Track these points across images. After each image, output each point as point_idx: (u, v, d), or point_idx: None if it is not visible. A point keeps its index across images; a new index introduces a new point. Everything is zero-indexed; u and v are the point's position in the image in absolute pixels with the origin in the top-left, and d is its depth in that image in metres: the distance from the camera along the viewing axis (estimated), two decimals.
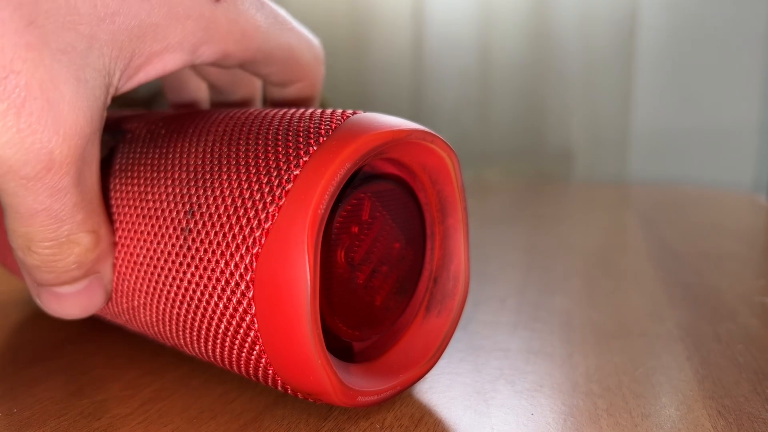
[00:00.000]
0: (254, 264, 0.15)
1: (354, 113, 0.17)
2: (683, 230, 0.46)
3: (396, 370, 0.19)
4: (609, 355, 0.22)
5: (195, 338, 0.17)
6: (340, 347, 0.19)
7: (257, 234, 0.15)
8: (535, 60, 1.28)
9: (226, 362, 0.17)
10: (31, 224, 0.16)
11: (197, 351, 0.18)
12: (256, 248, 0.15)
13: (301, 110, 0.18)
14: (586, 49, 1.24)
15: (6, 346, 0.23)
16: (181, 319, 0.17)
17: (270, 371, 0.16)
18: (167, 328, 0.18)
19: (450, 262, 0.20)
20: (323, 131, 0.16)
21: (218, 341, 0.17)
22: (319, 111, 0.17)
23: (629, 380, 0.20)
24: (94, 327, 0.25)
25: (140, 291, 0.18)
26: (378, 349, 0.20)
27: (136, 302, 0.19)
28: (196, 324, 0.17)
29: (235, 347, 0.16)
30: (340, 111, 0.17)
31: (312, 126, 0.16)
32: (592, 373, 0.21)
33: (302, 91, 0.23)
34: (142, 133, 0.20)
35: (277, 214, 0.15)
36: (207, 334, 0.17)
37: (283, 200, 0.15)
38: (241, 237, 0.15)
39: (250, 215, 0.15)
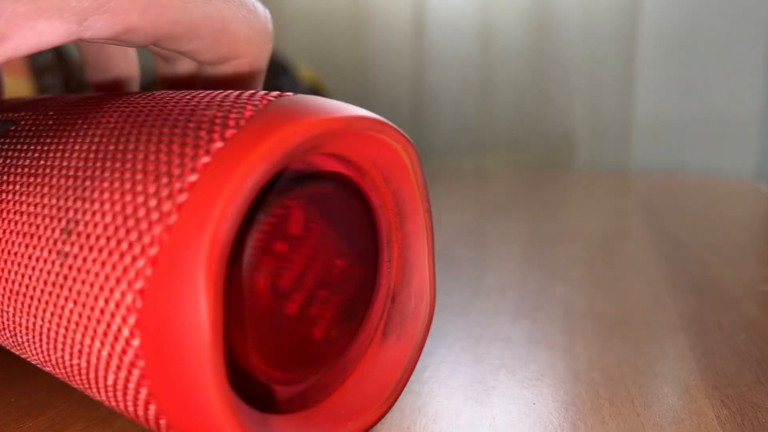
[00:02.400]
0: (139, 303, 0.11)
1: (279, 96, 0.13)
2: (685, 219, 0.46)
3: (345, 416, 0.15)
4: (611, 345, 0.22)
5: (88, 386, 0.14)
6: (269, 393, 0.15)
7: (140, 263, 0.11)
8: (537, 48, 1.27)
9: (131, 417, 0.14)
10: None
11: (97, 399, 0.14)
12: (140, 282, 0.11)
13: (215, 93, 0.14)
14: (588, 37, 1.23)
15: None
16: (68, 365, 0.14)
17: None
18: (58, 371, 0.14)
19: (411, 277, 0.17)
20: (232, 122, 0.12)
21: (111, 394, 0.13)
22: (236, 93, 0.14)
23: (631, 370, 0.20)
24: None
25: (22, 326, 0.14)
26: (321, 391, 0.16)
27: (21, 338, 0.15)
28: (87, 372, 0.13)
29: (130, 405, 0.13)
30: (261, 94, 0.14)
31: (219, 115, 0.13)
32: (594, 363, 0.21)
33: (239, 70, 0.19)
34: (28, 125, 0.16)
35: (166, 237, 0.11)
36: (99, 384, 0.13)
37: (173, 217, 0.11)
38: (121, 267, 0.12)
39: (132, 238, 0.12)
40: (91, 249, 0.12)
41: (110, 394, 0.13)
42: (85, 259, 0.12)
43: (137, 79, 0.23)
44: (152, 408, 0.12)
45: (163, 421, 0.12)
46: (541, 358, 0.21)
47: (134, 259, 0.12)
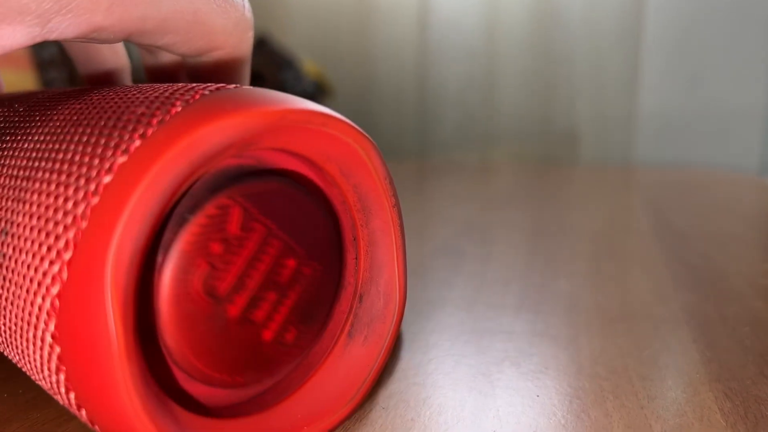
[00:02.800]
0: (57, 309, 0.11)
1: (216, 90, 0.13)
2: (689, 212, 0.46)
3: (300, 421, 0.15)
4: (614, 338, 0.22)
5: (41, 386, 0.14)
6: (222, 396, 0.15)
7: (56, 268, 0.11)
8: (541, 42, 1.27)
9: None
10: None
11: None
12: (57, 287, 0.11)
13: (155, 87, 0.14)
14: (593, 31, 1.23)
15: None
16: (18, 364, 0.14)
17: None
18: (19, 366, 0.14)
19: (379, 275, 0.16)
20: (156, 119, 0.12)
21: (59, 398, 0.13)
22: (173, 89, 0.13)
23: (635, 362, 0.20)
24: None
25: None
26: (279, 394, 0.15)
27: None
28: (35, 374, 0.13)
29: (69, 408, 0.13)
30: (199, 87, 0.13)
31: (146, 111, 0.12)
32: (597, 356, 0.21)
33: (219, 62, 0.19)
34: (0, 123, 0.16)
35: (79, 241, 0.11)
36: (45, 385, 0.13)
37: (86, 221, 0.11)
38: (42, 271, 0.11)
39: (51, 241, 0.11)
40: (21, 251, 0.12)
41: (58, 396, 0.13)
42: (17, 262, 0.12)
43: (127, 69, 0.23)
44: (83, 412, 0.12)
45: (96, 427, 0.12)
46: (544, 351, 0.21)
47: (52, 263, 0.11)
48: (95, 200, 0.11)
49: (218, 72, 0.19)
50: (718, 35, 1.16)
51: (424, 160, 1.13)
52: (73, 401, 0.12)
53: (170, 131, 0.11)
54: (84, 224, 0.11)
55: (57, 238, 0.11)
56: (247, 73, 0.20)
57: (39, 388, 0.18)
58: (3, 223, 0.13)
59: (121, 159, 0.11)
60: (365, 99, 1.28)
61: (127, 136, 0.12)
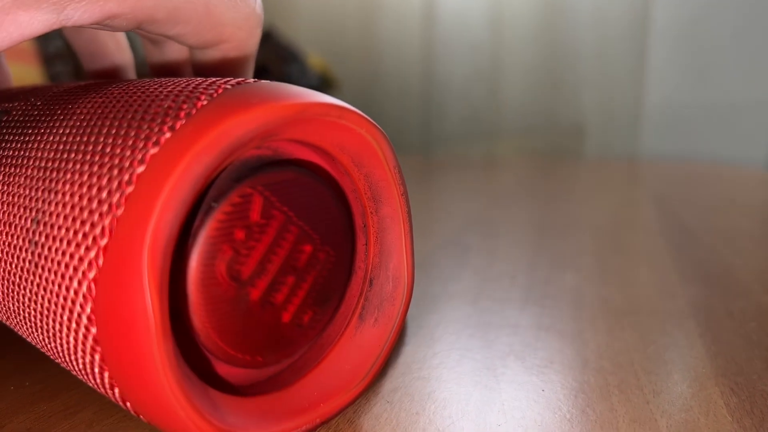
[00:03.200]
0: (93, 292, 0.12)
1: (237, 84, 0.13)
2: (695, 207, 0.46)
3: (316, 398, 0.16)
4: (620, 332, 0.22)
5: (69, 368, 0.14)
6: (242, 375, 0.16)
7: (93, 254, 0.12)
8: (547, 36, 1.26)
9: (108, 398, 0.14)
10: None
11: (81, 379, 0.15)
12: (93, 272, 0.12)
13: (176, 82, 0.14)
14: (599, 24, 1.22)
15: None
16: (49, 347, 0.14)
17: (141, 417, 0.13)
18: (46, 353, 0.15)
19: (389, 260, 0.17)
20: (184, 112, 0.12)
21: (86, 377, 0.14)
22: (198, 81, 0.14)
23: (640, 357, 0.20)
24: None
25: (10, 310, 0.15)
26: (295, 373, 0.16)
27: (12, 321, 0.15)
28: (63, 355, 0.14)
29: (101, 387, 0.13)
30: (220, 82, 0.14)
31: (173, 105, 0.13)
32: (603, 350, 0.21)
33: (227, 55, 0.19)
34: (18, 115, 0.17)
35: (115, 227, 0.12)
36: (76, 367, 0.14)
37: (121, 209, 0.12)
38: (77, 256, 0.12)
39: (86, 229, 0.12)
40: (54, 238, 0.13)
41: (85, 376, 0.14)
42: (50, 248, 0.13)
43: (131, 65, 0.23)
44: (117, 391, 0.13)
45: (128, 404, 0.13)
46: (550, 345, 0.21)
47: (88, 249, 0.12)
48: (130, 189, 0.12)
49: (224, 66, 0.19)
50: (725, 29, 1.16)
51: (429, 155, 1.13)
52: (106, 380, 0.13)
53: (199, 124, 0.12)
54: (119, 212, 0.12)
55: (93, 225, 0.12)
56: (251, 69, 0.20)
57: (46, 381, 0.18)
58: (34, 213, 0.13)
59: (153, 150, 0.12)
60: (370, 93, 1.28)
61: (156, 129, 0.12)
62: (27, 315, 0.14)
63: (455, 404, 0.17)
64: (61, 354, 0.14)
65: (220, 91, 0.13)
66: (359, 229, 0.17)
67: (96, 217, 0.12)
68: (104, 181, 0.12)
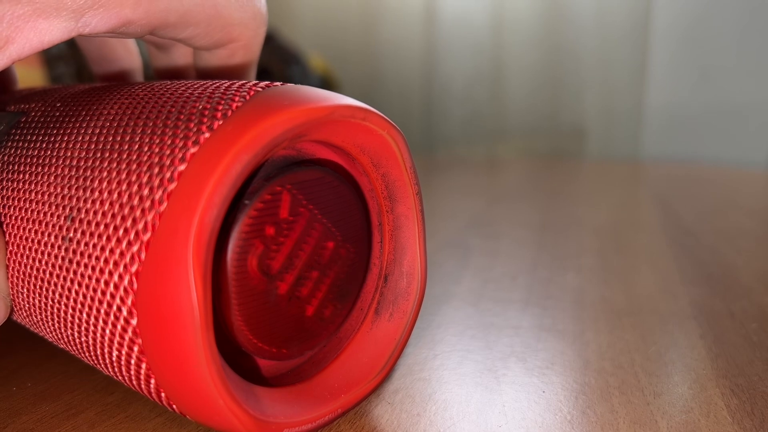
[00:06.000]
0: (135, 285, 0.12)
1: (267, 87, 0.14)
2: (697, 208, 0.46)
3: (337, 389, 0.16)
4: (621, 333, 0.22)
5: (96, 363, 0.15)
6: (265, 367, 0.16)
7: (135, 248, 0.12)
8: (549, 37, 1.26)
9: (137, 391, 0.15)
10: None
11: (107, 374, 0.15)
12: (136, 266, 0.12)
13: (207, 83, 0.15)
14: (601, 25, 1.22)
15: None
16: (77, 342, 0.15)
17: (174, 406, 0.14)
18: (70, 347, 0.15)
19: (403, 257, 0.18)
20: (220, 113, 0.13)
21: (117, 369, 0.14)
22: (227, 84, 0.15)
23: (641, 358, 0.20)
24: None
25: (35, 306, 0.15)
26: (316, 365, 0.17)
27: (35, 317, 0.16)
28: (92, 349, 0.14)
29: (134, 379, 0.14)
30: (250, 84, 0.14)
31: (208, 106, 0.13)
32: (604, 351, 0.21)
33: (234, 54, 0.19)
34: (38, 116, 0.17)
35: (158, 223, 0.12)
36: (105, 361, 0.14)
37: (164, 205, 0.12)
38: (119, 251, 0.13)
39: (128, 224, 0.13)
40: (91, 234, 0.13)
41: (116, 368, 0.14)
42: (86, 244, 0.13)
43: (140, 69, 0.24)
44: (152, 382, 0.13)
45: (163, 394, 0.13)
46: (551, 346, 0.21)
47: (130, 243, 0.12)
48: (172, 186, 0.12)
49: (231, 66, 0.20)
50: (726, 30, 1.16)
51: (431, 156, 1.13)
52: (143, 371, 0.13)
53: (237, 124, 0.12)
54: (162, 207, 0.12)
55: (135, 220, 0.12)
56: (255, 68, 0.21)
57: (48, 381, 0.18)
58: (68, 210, 0.14)
59: (193, 149, 0.12)
60: (372, 94, 1.28)
61: (194, 128, 0.13)
62: (55, 310, 0.15)
63: (456, 405, 0.17)
64: (91, 348, 0.14)
65: (252, 93, 0.14)
66: (375, 227, 0.17)
67: (138, 212, 0.12)
68: (145, 179, 0.13)
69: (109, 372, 0.15)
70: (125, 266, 0.12)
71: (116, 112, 0.15)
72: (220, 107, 0.13)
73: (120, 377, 0.14)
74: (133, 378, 0.14)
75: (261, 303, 0.14)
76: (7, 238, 0.16)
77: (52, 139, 0.16)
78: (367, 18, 1.29)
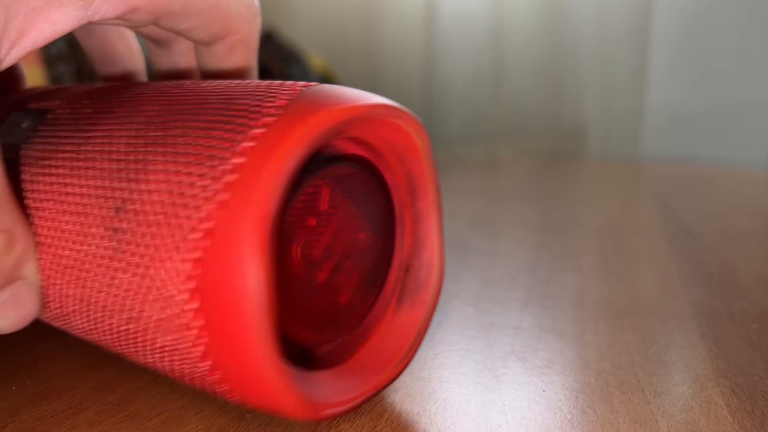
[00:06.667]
0: (196, 271, 0.13)
1: (307, 86, 0.15)
2: (697, 208, 0.46)
3: (367, 373, 0.17)
4: (621, 333, 0.22)
5: (136, 350, 0.15)
6: (301, 351, 0.17)
7: (197, 236, 0.13)
8: (549, 37, 1.26)
9: (177, 376, 0.15)
10: None
11: (142, 362, 0.16)
12: (198, 252, 0.13)
13: (245, 83, 0.16)
14: (601, 26, 1.22)
15: None
16: (118, 330, 0.15)
17: (224, 388, 0.14)
18: (105, 337, 0.16)
19: (422, 249, 0.18)
20: (270, 110, 0.14)
21: (161, 354, 0.15)
22: (265, 83, 0.15)
23: (641, 358, 0.20)
24: None
25: (70, 296, 0.16)
26: (345, 351, 0.17)
27: (68, 308, 0.16)
28: (137, 336, 0.15)
29: (181, 362, 0.14)
30: (289, 83, 0.15)
31: (256, 103, 0.14)
32: (603, 351, 0.21)
33: (234, 51, 0.20)
34: (65, 113, 0.17)
35: (219, 212, 0.13)
36: (147, 347, 0.15)
37: (226, 195, 0.13)
38: (179, 239, 0.13)
39: (188, 213, 0.13)
40: (145, 224, 0.14)
41: (160, 355, 0.14)
42: (138, 234, 0.14)
43: (143, 70, 0.24)
44: (207, 364, 0.14)
45: (217, 376, 0.14)
46: (551, 346, 0.21)
47: (192, 230, 0.13)
48: (232, 177, 0.13)
49: (231, 61, 0.20)
50: (726, 30, 1.16)
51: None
52: (199, 352, 0.14)
53: (289, 120, 0.13)
54: (224, 197, 0.13)
55: (196, 209, 0.13)
56: (255, 63, 0.21)
57: (48, 381, 0.18)
58: (119, 202, 0.14)
59: (248, 143, 0.13)
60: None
61: (245, 123, 0.14)
62: (100, 299, 0.15)
63: (456, 405, 0.17)
64: (139, 334, 0.14)
65: (297, 91, 0.14)
66: (397, 220, 0.18)
67: (199, 202, 0.13)
68: (202, 171, 0.13)
69: (147, 359, 0.15)
70: (186, 253, 0.13)
71: (157, 110, 0.15)
72: (267, 105, 0.14)
73: (161, 363, 0.15)
74: (185, 362, 0.14)
75: (303, 289, 0.15)
76: (40, 231, 0.16)
77: (89, 134, 0.16)
78: (367, 18, 1.29)
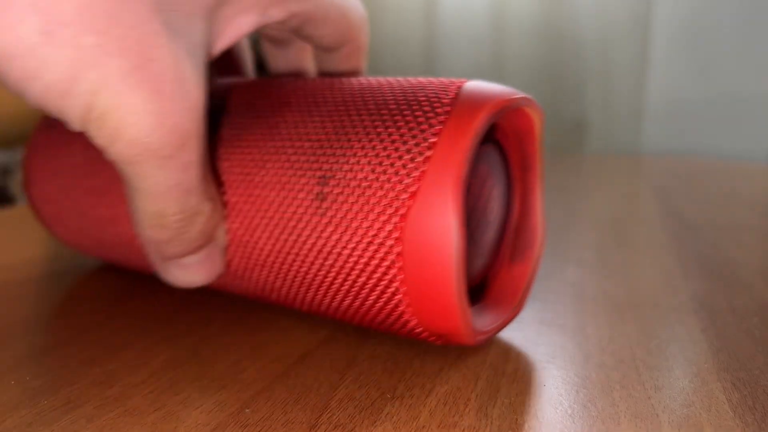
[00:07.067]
0: (402, 223, 0.16)
1: (464, 82, 0.18)
2: (698, 201, 0.46)
3: (495, 313, 0.20)
4: (622, 327, 0.22)
5: (326, 293, 0.19)
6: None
7: (404, 196, 0.16)
8: (549, 29, 1.26)
9: (354, 312, 0.19)
10: (165, 201, 0.17)
11: (318, 303, 0.19)
12: (404, 209, 0.16)
13: (407, 79, 0.19)
14: (601, 19, 1.22)
15: (19, 315, 0.23)
16: (310, 276, 0.19)
17: (405, 317, 0.18)
18: (288, 284, 0.19)
19: (528, 216, 0.22)
20: (446, 100, 0.17)
21: (352, 294, 0.18)
22: (425, 80, 0.19)
23: (642, 352, 0.20)
24: (104, 297, 0.25)
25: (261, 252, 0.19)
26: (478, 294, 0.21)
27: (252, 263, 0.20)
28: (335, 279, 0.18)
29: (371, 298, 0.18)
30: (445, 80, 0.18)
31: (432, 95, 0.18)
32: (604, 345, 0.20)
33: (351, 57, 0.23)
34: (235, 102, 0.21)
35: (421, 178, 0.16)
36: (340, 289, 0.18)
37: (425, 165, 0.16)
38: (386, 200, 0.17)
39: (394, 180, 0.17)
40: (352, 190, 0.17)
41: (355, 293, 0.18)
42: (346, 198, 0.17)
43: (312, 69, 0.27)
44: (397, 297, 0.17)
45: (402, 307, 0.17)
46: (551, 340, 0.21)
47: (398, 194, 0.16)
48: (430, 153, 0.16)
49: (348, 65, 0.24)
50: (727, 23, 1.15)
51: None
52: (394, 286, 0.17)
53: (468, 108, 0.17)
54: (425, 167, 0.16)
55: (401, 177, 0.16)
56: (365, 65, 0.24)
57: (46, 375, 0.18)
58: (320, 173, 0.18)
59: (438, 126, 0.17)
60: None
61: (432, 109, 0.17)
62: (299, 251, 0.18)
63: (457, 399, 0.17)
64: (331, 280, 0.18)
65: (459, 85, 0.18)
66: (511, 192, 0.22)
67: (404, 171, 0.16)
68: (403, 147, 0.17)
69: (337, 298, 0.19)
70: (395, 209, 0.16)
71: (341, 99, 0.19)
72: (443, 95, 0.17)
73: (355, 301, 0.18)
74: (372, 297, 0.18)
75: (468, 243, 0.19)
76: (234, 199, 0.19)
77: (273, 121, 0.20)
78: (367, 11, 1.29)
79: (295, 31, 0.21)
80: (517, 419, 0.16)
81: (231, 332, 0.22)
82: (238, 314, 0.23)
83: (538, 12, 1.27)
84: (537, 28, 1.29)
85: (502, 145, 0.21)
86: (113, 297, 0.25)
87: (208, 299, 0.25)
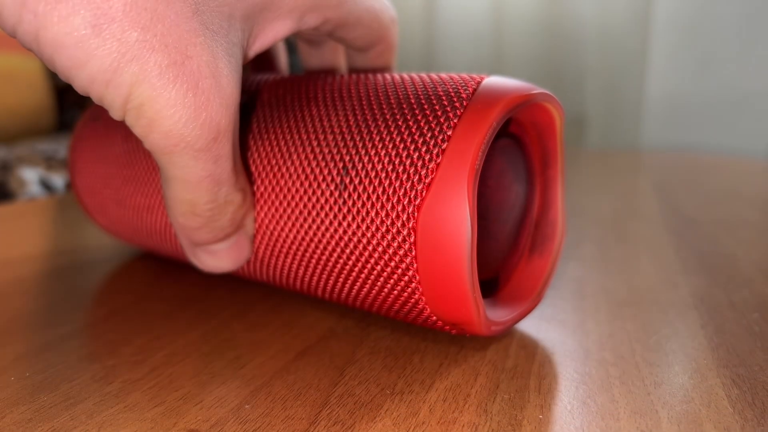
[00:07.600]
0: (416, 214, 0.17)
1: (482, 78, 0.18)
2: (698, 197, 0.46)
3: (512, 305, 0.21)
4: (622, 323, 0.22)
5: (344, 279, 0.19)
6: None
7: (419, 187, 0.17)
8: (550, 25, 1.26)
9: (372, 300, 0.19)
10: (197, 190, 0.18)
11: (337, 291, 0.20)
12: (418, 200, 0.17)
13: (427, 75, 0.20)
14: (602, 15, 1.22)
15: (19, 311, 0.23)
16: (331, 264, 0.19)
17: (420, 306, 0.18)
18: (310, 272, 0.20)
19: (549, 209, 0.22)
20: (464, 95, 0.18)
21: (370, 281, 0.18)
22: (446, 75, 0.19)
23: (642, 348, 0.20)
24: (105, 292, 0.25)
25: (285, 240, 0.20)
26: (495, 286, 0.22)
27: (277, 251, 0.20)
28: (353, 266, 0.19)
29: (388, 286, 0.18)
30: (466, 75, 0.19)
31: (451, 90, 0.18)
32: (604, 341, 0.21)
33: (382, 55, 0.24)
34: (265, 97, 0.22)
35: (436, 170, 0.17)
36: (358, 276, 0.19)
37: (440, 158, 0.17)
38: (402, 190, 0.17)
39: (410, 171, 0.17)
40: (371, 181, 0.18)
41: (372, 281, 0.18)
42: (365, 188, 0.18)
43: (344, 66, 0.27)
44: (412, 286, 0.18)
45: (417, 295, 0.18)
46: (551, 336, 0.21)
47: (413, 184, 0.17)
48: (445, 145, 0.17)
49: (379, 63, 0.24)
50: (727, 19, 1.15)
51: None
52: (409, 274, 0.17)
53: (484, 103, 0.17)
54: (440, 160, 0.17)
55: (417, 168, 0.17)
56: (395, 63, 0.25)
57: (46, 371, 0.18)
58: (341, 164, 0.18)
59: (454, 120, 0.17)
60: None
61: (449, 103, 0.17)
62: (321, 240, 0.19)
63: (456, 395, 0.17)
64: (348, 266, 0.19)
65: (477, 81, 0.18)
66: (531, 185, 0.22)
67: (420, 162, 0.17)
68: (419, 139, 0.17)
69: (355, 286, 0.19)
70: (410, 200, 0.17)
71: (363, 94, 0.19)
72: (461, 91, 0.18)
73: (369, 288, 0.19)
74: (389, 286, 0.18)
75: (480, 236, 0.20)
76: (261, 189, 0.20)
77: (299, 114, 0.20)
78: None
79: (329, 34, 0.21)
80: (516, 415, 0.16)
81: (231, 328, 0.22)
82: (238, 310, 0.23)
83: (538, 8, 1.27)
84: (537, 25, 1.29)
85: (523, 140, 0.21)
86: (112, 294, 0.25)
87: (207, 295, 0.25)
